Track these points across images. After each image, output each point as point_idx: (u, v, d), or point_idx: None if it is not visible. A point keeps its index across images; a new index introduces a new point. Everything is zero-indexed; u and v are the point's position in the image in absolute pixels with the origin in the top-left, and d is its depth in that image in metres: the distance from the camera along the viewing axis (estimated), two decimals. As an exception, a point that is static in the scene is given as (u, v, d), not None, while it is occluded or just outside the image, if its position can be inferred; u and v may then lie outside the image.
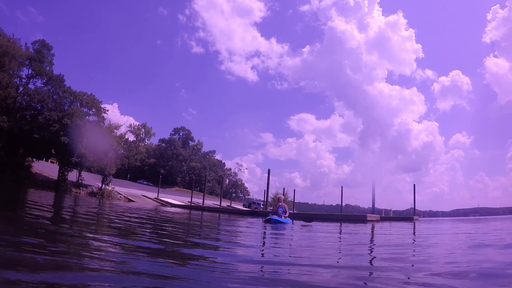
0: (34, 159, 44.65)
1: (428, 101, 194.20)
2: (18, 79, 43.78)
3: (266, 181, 31.62)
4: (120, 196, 42.00)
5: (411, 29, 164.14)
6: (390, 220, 28.05)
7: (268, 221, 12.74)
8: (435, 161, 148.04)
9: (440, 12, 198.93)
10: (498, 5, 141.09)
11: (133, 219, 9.86)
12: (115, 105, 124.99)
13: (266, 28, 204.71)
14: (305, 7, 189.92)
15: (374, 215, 24.40)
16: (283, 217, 13.68)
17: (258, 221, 14.28)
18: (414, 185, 36.33)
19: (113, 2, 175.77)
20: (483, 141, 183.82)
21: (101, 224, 7.83)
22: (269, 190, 34.86)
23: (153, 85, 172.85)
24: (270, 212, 17.39)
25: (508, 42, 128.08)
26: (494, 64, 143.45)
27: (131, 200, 39.11)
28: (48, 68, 46.64)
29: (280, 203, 14.88)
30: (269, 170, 30.88)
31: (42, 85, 45.50)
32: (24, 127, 39.87)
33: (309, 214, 24.09)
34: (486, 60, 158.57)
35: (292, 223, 14.08)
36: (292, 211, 35.91)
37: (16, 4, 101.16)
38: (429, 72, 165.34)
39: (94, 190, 41.87)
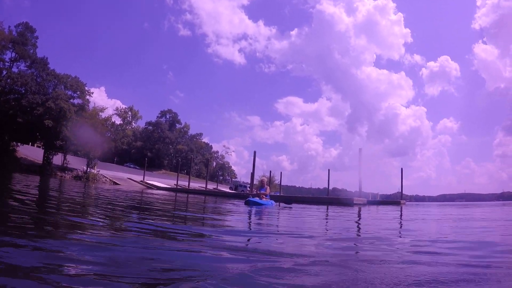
0: (19, 144, 44.56)
1: (416, 86, 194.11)
2: (1, 62, 43.30)
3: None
4: (106, 179, 42.36)
5: (400, 13, 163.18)
6: (377, 203, 28.37)
7: (247, 203, 13.24)
8: (422, 146, 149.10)
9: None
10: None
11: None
12: (102, 88, 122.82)
13: (253, 10, 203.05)
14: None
15: (361, 198, 24.73)
16: (264, 199, 14.20)
17: (240, 203, 14.81)
18: (402, 169, 36.22)
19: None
20: (470, 127, 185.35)
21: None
22: (257, 173, 35.20)
23: (140, 68, 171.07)
24: (250, 194, 17.91)
25: (497, 29, 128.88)
26: (483, 50, 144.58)
27: (116, 183, 39.49)
28: (31, 51, 46.24)
29: (264, 186, 15.60)
30: (254, 152, 30.79)
31: (26, 68, 45.21)
32: (8, 111, 39.70)
33: (289, 197, 24.62)
34: (474, 46, 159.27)
35: (279, 205, 14.71)
36: (278, 194, 36.56)
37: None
38: (417, 57, 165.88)
39: (79, 173, 42.14)
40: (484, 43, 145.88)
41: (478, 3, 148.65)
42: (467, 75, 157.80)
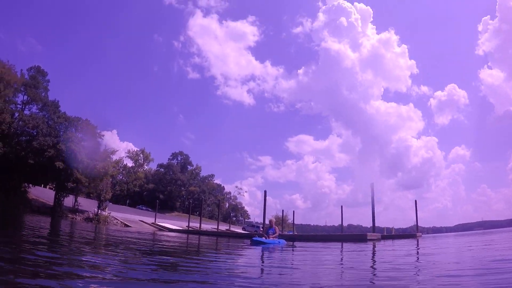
0: (31, 185, 44.14)
1: (425, 116, 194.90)
2: (14, 105, 43.77)
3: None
4: (117, 222, 41.30)
5: (403, 45, 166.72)
6: (392, 238, 27.49)
7: (252, 242, 14.12)
8: (436, 176, 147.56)
9: (431, 26, 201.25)
10: (488, 16, 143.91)
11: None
12: (114, 131, 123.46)
13: (260, 51, 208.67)
14: (298, 29, 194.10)
15: (375, 233, 23.75)
16: (271, 238, 14.78)
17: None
18: (416, 201, 36.05)
19: (110, 30, 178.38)
20: (483, 153, 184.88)
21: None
22: (270, 212, 33.90)
23: (151, 111, 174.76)
24: (256, 234, 18.08)
25: (501, 53, 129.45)
26: (489, 75, 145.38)
27: (127, 225, 38.48)
28: (43, 94, 46.94)
29: (273, 226, 16.05)
30: (265, 192, 29.41)
31: (37, 110, 45.72)
32: (20, 153, 39.52)
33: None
34: (480, 72, 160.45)
35: (293, 244, 15.13)
36: (291, 233, 35.53)
37: (15, 35, 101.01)
38: (424, 88, 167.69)
39: (90, 215, 41.17)
40: (490, 68, 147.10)
41: (480, 29, 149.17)
42: (476, 101, 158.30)
